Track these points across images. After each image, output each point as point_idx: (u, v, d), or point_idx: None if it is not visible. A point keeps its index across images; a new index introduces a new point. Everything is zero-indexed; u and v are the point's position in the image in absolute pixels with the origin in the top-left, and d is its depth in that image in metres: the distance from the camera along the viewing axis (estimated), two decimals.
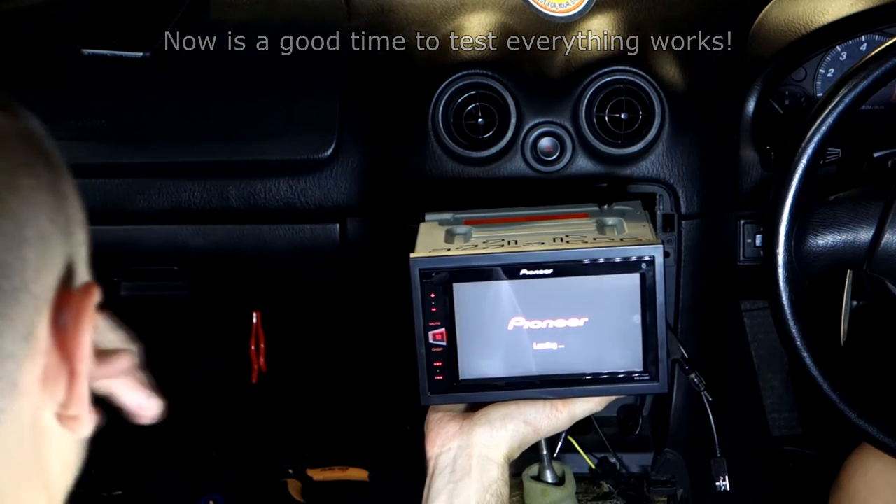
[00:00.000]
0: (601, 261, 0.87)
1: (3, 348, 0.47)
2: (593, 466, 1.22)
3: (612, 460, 1.25)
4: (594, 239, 0.90)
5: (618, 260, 0.87)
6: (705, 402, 1.09)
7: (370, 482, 1.60)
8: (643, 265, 0.87)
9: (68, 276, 0.52)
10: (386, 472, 1.59)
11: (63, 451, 0.54)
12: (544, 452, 1.06)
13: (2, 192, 0.47)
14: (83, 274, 0.54)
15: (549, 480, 1.08)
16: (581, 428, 1.21)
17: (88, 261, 0.56)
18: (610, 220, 0.95)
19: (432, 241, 0.93)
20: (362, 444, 1.65)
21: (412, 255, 0.88)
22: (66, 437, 0.53)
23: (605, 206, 1.00)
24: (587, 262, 0.87)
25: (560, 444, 1.15)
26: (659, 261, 0.86)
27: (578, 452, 1.20)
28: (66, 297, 0.51)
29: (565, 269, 0.87)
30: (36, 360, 0.49)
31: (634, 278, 0.87)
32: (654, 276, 0.87)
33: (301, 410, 1.77)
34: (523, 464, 1.09)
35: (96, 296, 0.52)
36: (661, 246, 0.87)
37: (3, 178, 0.48)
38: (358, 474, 1.61)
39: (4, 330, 0.47)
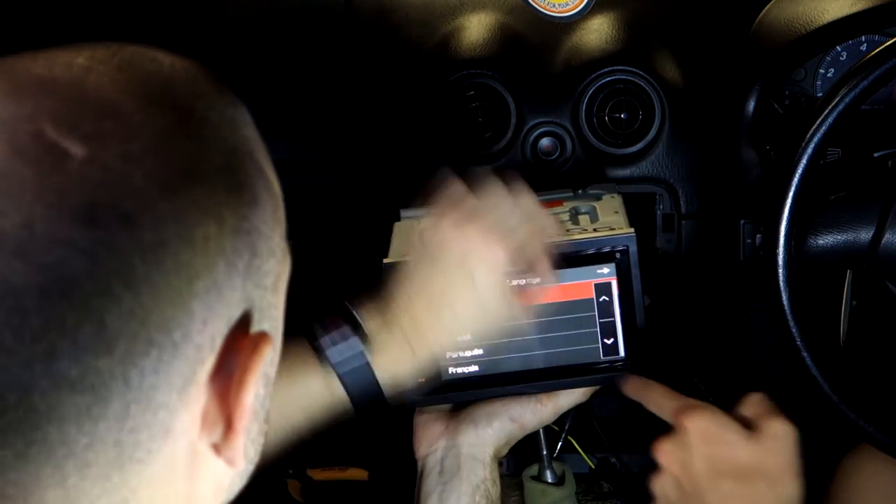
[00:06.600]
0: (575, 253, 0.87)
1: (155, 399, 0.44)
2: (593, 466, 1.22)
3: (612, 460, 1.24)
4: (567, 230, 0.90)
5: (592, 251, 0.87)
6: (705, 401, 1.09)
7: (370, 482, 1.60)
8: (617, 255, 0.87)
9: (245, 320, 0.49)
10: (386, 472, 1.58)
11: (218, 475, 0.51)
12: (544, 452, 1.06)
13: (172, 244, 0.44)
14: (266, 318, 0.51)
15: (549, 480, 1.08)
16: (581, 428, 1.21)
17: (284, 285, 0.53)
18: (583, 208, 0.95)
19: (405, 244, 0.92)
20: (362, 444, 1.65)
21: (385, 259, 0.88)
22: (221, 463, 0.50)
23: (580, 191, 1.00)
24: (561, 254, 0.87)
25: (560, 444, 1.16)
26: (633, 249, 0.86)
27: (578, 452, 1.20)
28: (237, 343, 0.48)
29: None
30: (194, 406, 0.47)
31: (610, 268, 0.87)
32: (629, 265, 0.87)
33: None
34: (523, 464, 1.09)
35: (268, 351, 0.49)
36: (634, 234, 0.87)
37: (176, 228, 0.44)
38: (358, 474, 1.60)
39: (158, 383, 0.44)
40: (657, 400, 0.88)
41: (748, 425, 0.82)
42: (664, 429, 1.30)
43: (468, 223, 0.79)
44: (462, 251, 0.79)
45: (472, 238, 0.79)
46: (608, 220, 0.91)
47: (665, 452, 0.84)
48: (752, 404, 0.84)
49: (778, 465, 0.80)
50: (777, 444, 0.81)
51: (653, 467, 0.88)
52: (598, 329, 0.88)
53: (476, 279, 0.79)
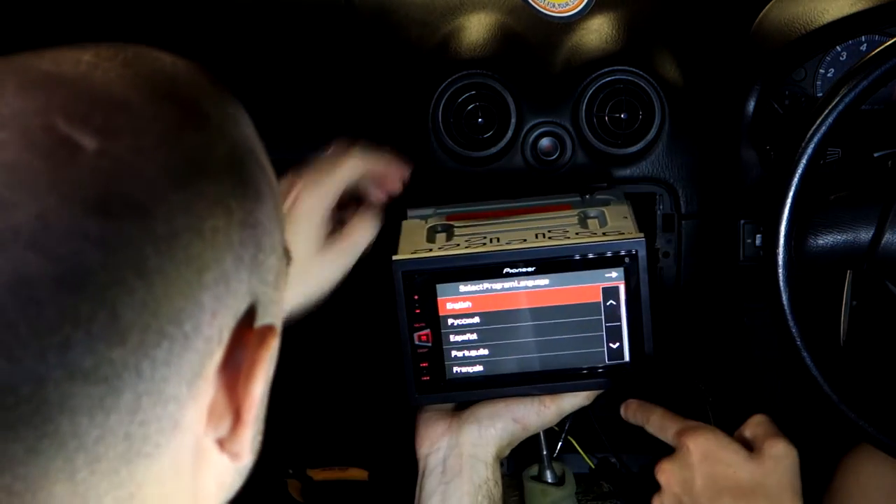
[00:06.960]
0: (584, 256, 0.87)
1: (165, 391, 0.45)
2: (593, 466, 1.22)
3: (612, 460, 1.24)
4: (576, 234, 0.90)
5: (600, 255, 0.87)
6: (705, 402, 1.09)
7: (370, 482, 1.60)
8: (626, 259, 0.87)
9: (250, 314, 0.49)
10: (386, 472, 1.58)
11: (221, 472, 0.52)
12: (544, 452, 1.06)
13: (184, 235, 0.44)
14: (269, 314, 0.52)
15: (549, 480, 1.08)
16: (581, 427, 1.21)
17: (282, 283, 0.54)
18: (592, 212, 0.95)
19: (414, 241, 0.93)
20: (362, 444, 1.65)
21: (394, 257, 0.88)
22: (225, 459, 0.51)
23: (587, 196, 1.00)
24: (570, 257, 0.87)
25: (560, 444, 1.16)
26: (642, 254, 0.87)
27: (578, 452, 1.20)
28: (243, 336, 0.49)
29: (548, 265, 0.87)
30: (202, 400, 0.47)
31: (618, 273, 0.87)
32: (637, 270, 0.87)
33: (300, 410, 1.76)
34: (523, 464, 1.09)
35: (274, 344, 0.50)
36: (644, 239, 0.87)
37: (187, 220, 0.45)
38: (358, 474, 1.60)
39: (169, 375, 0.45)
40: (658, 422, 0.88)
41: (749, 446, 0.83)
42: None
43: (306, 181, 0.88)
44: (298, 201, 0.87)
45: (301, 189, 0.88)
46: (617, 224, 0.91)
47: (666, 472, 0.85)
48: (755, 425, 0.85)
49: (778, 485, 0.81)
50: (777, 464, 0.82)
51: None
52: (604, 333, 0.89)
53: (300, 224, 0.86)
